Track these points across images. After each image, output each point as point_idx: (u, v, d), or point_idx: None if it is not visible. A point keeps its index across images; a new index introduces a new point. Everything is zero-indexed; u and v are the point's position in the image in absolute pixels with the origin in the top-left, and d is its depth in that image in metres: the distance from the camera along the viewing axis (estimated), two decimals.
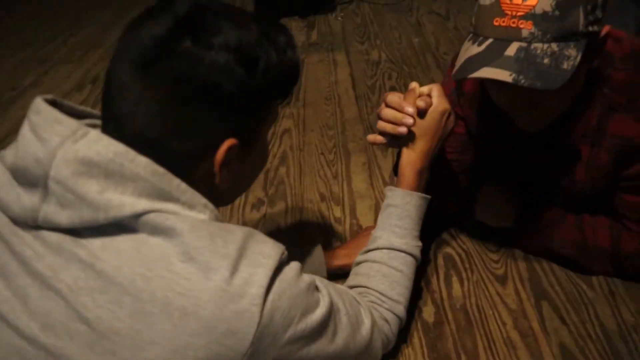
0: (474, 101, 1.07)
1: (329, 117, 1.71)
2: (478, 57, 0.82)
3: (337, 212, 1.30)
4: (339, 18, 2.57)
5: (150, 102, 0.58)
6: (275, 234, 1.23)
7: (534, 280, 1.08)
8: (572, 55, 0.79)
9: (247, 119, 0.65)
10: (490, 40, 0.81)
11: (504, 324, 1.00)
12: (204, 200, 0.63)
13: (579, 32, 0.79)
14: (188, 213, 0.60)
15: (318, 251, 1.06)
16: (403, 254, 0.90)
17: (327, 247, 1.19)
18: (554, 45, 0.78)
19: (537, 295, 1.05)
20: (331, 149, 1.55)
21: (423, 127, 0.91)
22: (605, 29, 0.84)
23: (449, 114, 0.92)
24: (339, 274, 1.05)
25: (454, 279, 1.10)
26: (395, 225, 0.91)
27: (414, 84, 0.94)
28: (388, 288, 0.87)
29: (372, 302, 0.85)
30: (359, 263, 0.91)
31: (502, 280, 1.09)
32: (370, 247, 0.91)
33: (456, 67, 0.86)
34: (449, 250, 1.16)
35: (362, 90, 1.87)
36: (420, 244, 0.94)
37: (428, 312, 1.03)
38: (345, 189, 1.37)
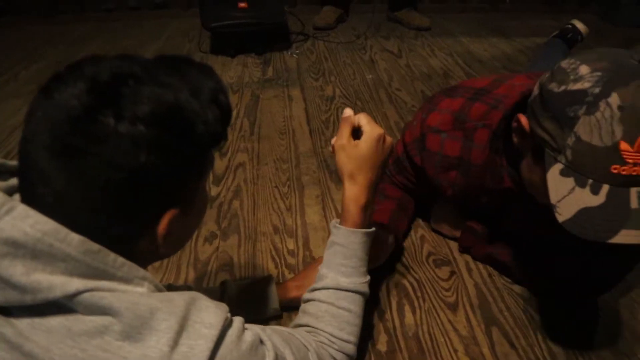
0: (433, 157, 1.11)
1: (284, 150, 1.72)
2: (602, 211, 0.74)
3: (291, 244, 1.30)
4: (294, 55, 2.62)
5: (77, 192, 0.53)
6: (228, 267, 1.23)
7: (484, 307, 1.10)
8: None
9: (186, 184, 0.61)
10: (607, 188, 0.74)
11: (456, 350, 1.01)
12: (141, 273, 0.59)
13: None
14: (125, 288, 0.56)
15: (270, 284, 1.06)
16: (351, 294, 0.87)
17: (281, 279, 1.18)
18: None
19: (487, 321, 1.07)
20: (285, 182, 1.55)
21: (360, 159, 0.87)
22: None
23: (384, 138, 0.89)
24: (291, 307, 1.04)
25: (407, 307, 1.11)
26: (341, 264, 0.88)
27: (348, 111, 0.90)
28: (337, 329, 0.84)
29: (321, 342, 0.83)
30: (307, 301, 0.89)
31: (454, 307, 1.10)
32: (317, 285, 0.88)
33: (565, 217, 0.77)
34: (401, 279, 1.17)
35: (316, 124, 1.90)
36: (367, 278, 0.91)
37: (381, 341, 1.03)
38: (299, 221, 1.38)
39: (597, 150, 0.73)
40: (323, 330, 0.84)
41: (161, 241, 0.60)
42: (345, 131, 0.88)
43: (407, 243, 1.28)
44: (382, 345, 1.02)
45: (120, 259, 0.56)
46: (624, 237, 0.73)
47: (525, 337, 1.03)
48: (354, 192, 0.88)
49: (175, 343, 0.55)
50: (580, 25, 2.13)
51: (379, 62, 2.52)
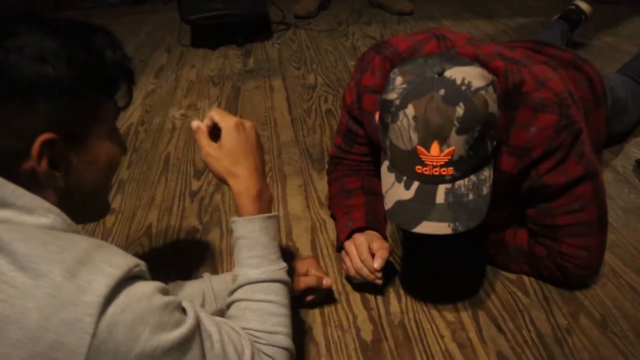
0: (372, 119, 1.07)
1: (265, 141, 1.69)
2: (412, 204, 0.87)
3: None
4: (276, 45, 2.58)
5: None
6: (210, 261, 1.20)
7: (470, 291, 1.08)
8: (487, 176, 0.88)
9: (64, 114, 0.65)
10: (416, 185, 0.87)
11: (442, 336, 0.99)
12: (46, 205, 0.62)
13: (489, 156, 0.88)
14: (25, 219, 0.59)
15: None
16: (265, 284, 0.82)
17: None
18: (473, 177, 0.87)
19: (473, 306, 1.05)
20: (267, 172, 1.53)
21: (229, 154, 0.84)
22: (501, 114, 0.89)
23: (242, 125, 0.86)
24: None
25: (392, 294, 1.09)
26: (247, 257, 0.83)
27: (195, 124, 0.87)
28: (260, 323, 0.79)
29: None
30: (228, 306, 0.83)
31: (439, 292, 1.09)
32: (232, 287, 0.83)
33: (388, 206, 0.91)
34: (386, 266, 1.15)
35: (298, 113, 1.87)
36: (282, 265, 0.85)
37: (366, 331, 1.01)
38: (281, 211, 1.35)
39: (403, 153, 0.86)
40: (246, 328, 0.78)
41: (37, 165, 0.63)
42: (202, 140, 0.86)
43: (390, 228, 1.26)
44: (367, 334, 1.00)
45: (21, 190, 0.60)
46: (424, 227, 0.85)
47: (512, 319, 1.02)
48: (240, 186, 0.84)
49: (70, 275, 0.54)
50: (583, 5, 2.10)
51: (361, 49, 2.48)
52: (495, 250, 1.12)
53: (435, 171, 0.84)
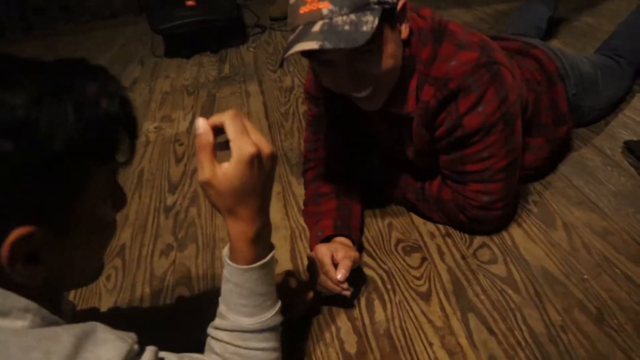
0: (316, 94, 1.19)
1: None
2: (292, 40, 0.90)
3: None
4: (251, 49, 2.53)
5: None
6: (185, 279, 1.15)
7: (459, 293, 1.03)
8: (370, 20, 0.87)
9: (40, 198, 0.51)
10: (300, 27, 0.90)
11: (431, 344, 0.94)
12: (23, 303, 0.51)
13: (371, 3, 0.88)
14: (0, 323, 0.49)
15: None
16: (257, 333, 0.74)
17: None
18: (353, 16, 0.87)
19: (462, 308, 1.00)
20: None
21: (234, 192, 0.68)
22: (402, 1, 0.94)
23: (259, 156, 0.68)
24: None
25: (376, 302, 1.03)
26: (240, 304, 0.74)
27: (201, 127, 0.68)
28: None
29: None
30: (213, 338, 0.76)
31: (426, 297, 1.03)
32: (219, 325, 0.75)
33: (289, 53, 0.91)
34: (369, 272, 1.10)
35: (275, 117, 1.81)
36: (276, 308, 0.77)
37: (350, 343, 0.95)
38: None
39: (292, 5, 0.90)
40: None
41: (8, 266, 0.51)
42: (205, 162, 0.67)
43: (373, 232, 1.21)
44: (351, 346, 0.95)
45: None
46: (294, 48, 0.87)
47: (503, 320, 0.96)
48: (238, 228, 0.71)
49: None
50: None
51: None
52: (415, 195, 1.20)
53: (313, 6, 0.87)
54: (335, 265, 0.98)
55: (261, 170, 0.69)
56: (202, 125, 0.68)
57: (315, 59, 0.96)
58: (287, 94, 1.98)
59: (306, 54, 0.93)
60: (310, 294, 0.98)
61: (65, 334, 0.51)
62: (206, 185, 0.68)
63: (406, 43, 1.00)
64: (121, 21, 3.30)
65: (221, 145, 0.69)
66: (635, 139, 1.40)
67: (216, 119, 0.69)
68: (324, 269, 0.98)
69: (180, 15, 2.41)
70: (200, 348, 0.75)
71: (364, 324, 0.99)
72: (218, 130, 0.69)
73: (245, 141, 0.66)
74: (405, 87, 1.04)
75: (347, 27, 0.86)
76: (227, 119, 0.68)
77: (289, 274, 1.01)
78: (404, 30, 0.98)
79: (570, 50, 1.95)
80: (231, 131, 0.67)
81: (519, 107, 1.08)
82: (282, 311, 0.80)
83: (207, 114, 1.89)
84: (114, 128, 0.56)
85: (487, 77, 0.98)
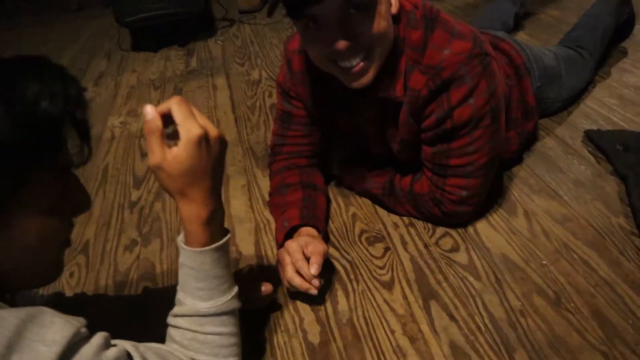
0: (304, 78, 1.14)
1: None
2: None
3: None
4: (219, 42, 2.51)
5: None
6: (149, 274, 1.14)
7: (421, 281, 1.04)
8: None
9: None
10: None
11: (393, 331, 0.95)
12: None
13: None
14: None
15: None
16: (215, 317, 0.74)
17: None
18: None
19: (424, 296, 1.01)
20: None
21: (184, 173, 0.68)
22: None
23: (206, 138, 0.68)
24: None
25: (339, 292, 1.04)
26: (196, 288, 0.74)
27: (149, 114, 0.68)
28: (211, 356, 0.73)
29: None
30: (172, 326, 0.75)
31: (389, 286, 1.04)
32: (177, 312, 0.75)
33: None
34: (332, 262, 1.10)
35: (241, 111, 1.80)
36: (233, 292, 0.77)
37: (313, 333, 0.96)
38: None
39: None
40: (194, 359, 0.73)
41: None
42: (154, 146, 0.67)
43: (337, 223, 1.21)
44: (314, 336, 0.95)
45: None
46: None
47: (464, 306, 0.98)
48: (190, 210, 0.71)
49: None
50: None
51: None
52: (382, 190, 1.19)
53: None
54: (307, 259, 0.97)
55: (209, 151, 0.69)
56: (150, 111, 0.67)
57: (304, 17, 0.90)
58: (254, 88, 1.97)
59: (294, 12, 0.89)
60: (270, 287, 0.98)
61: (10, 317, 0.50)
62: (157, 169, 0.68)
63: (394, 22, 0.98)
64: (87, 14, 3.24)
65: (170, 135, 0.69)
66: (595, 128, 1.43)
67: (164, 106, 0.68)
68: (297, 264, 0.97)
69: (146, 7, 2.37)
70: (162, 341, 0.75)
71: (327, 314, 0.99)
72: (167, 120, 0.68)
73: (193, 124, 0.67)
74: (393, 69, 1.02)
75: None
76: (173, 104, 0.68)
77: (250, 267, 1.01)
78: (395, 3, 0.96)
79: (535, 42, 1.98)
80: (178, 116, 0.67)
81: (504, 102, 1.08)
82: (243, 302, 0.80)
83: None
84: (55, 129, 0.55)
85: (479, 69, 0.98)
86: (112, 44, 2.66)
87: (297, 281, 0.96)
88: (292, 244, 1.00)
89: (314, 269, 0.95)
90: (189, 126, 0.67)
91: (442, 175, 1.08)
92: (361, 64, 0.94)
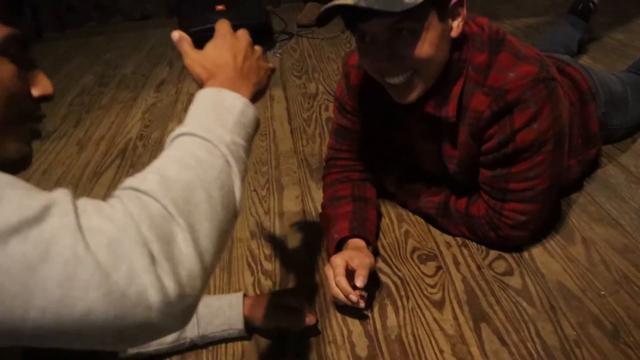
0: (361, 92, 1.15)
1: (263, 152, 1.65)
2: None
3: (268, 249, 1.23)
4: (277, 55, 2.56)
5: None
6: None
7: (473, 302, 1.03)
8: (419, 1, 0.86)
9: None
10: None
11: (442, 351, 0.94)
12: None
13: None
14: None
15: (237, 300, 0.98)
16: (190, 138, 0.59)
17: (256, 286, 1.12)
18: None
19: (475, 318, 0.99)
20: (264, 184, 1.49)
21: (214, 54, 0.69)
22: None
23: (230, 29, 0.72)
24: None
25: (389, 308, 1.03)
26: (190, 116, 0.63)
27: (177, 34, 0.73)
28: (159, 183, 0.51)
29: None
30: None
31: (439, 305, 1.03)
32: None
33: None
34: (383, 278, 1.10)
35: (297, 123, 1.83)
36: (240, 141, 0.61)
37: (361, 346, 0.96)
38: (277, 224, 1.31)
39: None
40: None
41: None
42: (184, 47, 0.71)
43: (390, 239, 1.21)
44: (361, 350, 0.95)
45: None
46: (331, 3, 0.87)
47: (516, 332, 0.96)
48: (215, 83, 0.66)
49: None
50: None
51: None
52: (436, 210, 1.19)
53: None
54: (351, 274, 0.97)
55: (236, 39, 0.71)
56: (176, 32, 0.74)
57: (356, 30, 0.94)
58: (310, 100, 2.00)
59: (349, 24, 0.93)
60: (313, 320, 0.98)
61: None
62: (189, 60, 0.70)
63: (457, 45, 0.99)
64: (152, 23, 3.36)
65: None
66: None
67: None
68: (336, 278, 0.97)
69: (210, 19, 2.44)
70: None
71: (375, 329, 0.99)
72: None
73: (223, 23, 0.73)
74: (447, 90, 1.02)
75: None
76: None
77: (292, 292, 1.03)
78: (456, 28, 0.96)
79: (600, 67, 1.93)
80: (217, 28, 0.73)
81: (568, 129, 1.05)
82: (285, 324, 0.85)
83: None
84: None
85: (544, 93, 0.96)
86: (175, 53, 2.73)
87: (342, 297, 0.97)
88: (336, 259, 1.00)
89: (359, 282, 0.95)
90: (219, 25, 0.73)
91: (501, 199, 1.07)
92: (405, 81, 0.97)
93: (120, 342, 0.46)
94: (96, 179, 1.62)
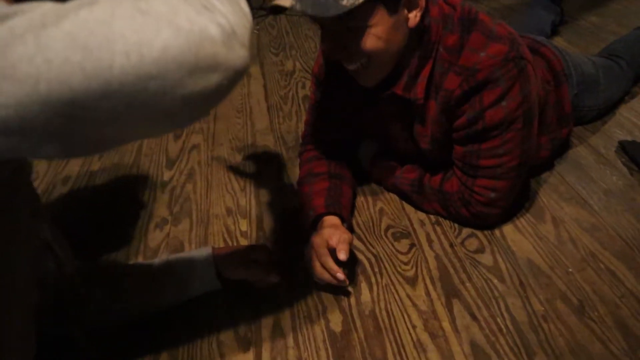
0: (337, 70, 1.11)
1: (239, 129, 1.65)
2: None
3: (244, 225, 1.23)
4: (255, 31, 2.52)
5: None
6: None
7: (445, 279, 1.05)
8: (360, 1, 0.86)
9: None
10: None
11: (414, 326, 0.96)
12: None
13: None
14: None
15: (207, 249, 1.03)
16: None
17: None
18: None
19: (447, 294, 1.01)
20: (240, 161, 1.48)
21: None
22: None
23: None
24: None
25: (363, 284, 1.05)
26: None
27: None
28: None
29: None
30: None
31: (412, 281, 1.05)
32: None
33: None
34: (357, 255, 1.12)
35: (274, 100, 1.82)
36: None
37: (335, 322, 0.98)
38: (253, 201, 1.31)
39: None
40: None
41: None
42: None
43: (364, 217, 1.22)
44: (336, 325, 0.97)
45: None
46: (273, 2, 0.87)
47: (487, 307, 0.98)
48: None
49: None
50: None
51: None
52: (410, 187, 1.20)
53: None
54: (332, 252, 0.98)
55: None
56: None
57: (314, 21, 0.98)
58: (287, 78, 1.99)
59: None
60: (273, 277, 1.01)
61: None
62: None
63: (424, 30, 1.00)
64: None
65: None
66: (630, 139, 1.42)
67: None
68: (321, 259, 0.98)
69: None
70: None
71: (350, 305, 1.01)
72: None
73: None
74: (415, 72, 1.04)
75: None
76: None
77: (262, 247, 1.06)
78: (413, 18, 0.97)
79: (574, 49, 1.96)
80: None
81: (537, 107, 1.08)
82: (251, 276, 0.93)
83: None
84: None
85: (514, 72, 0.98)
86: None
87: (327, 276, 0.98)
88: (316, 239, 1.01)
89: (342, 255, 0.96)
90: None
91: (472, 175, 1.09)
92: (361, 68, 1.00)
93: (194, 90, 0.49)
94: None
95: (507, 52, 0.98)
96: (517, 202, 1.20)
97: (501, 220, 1.17)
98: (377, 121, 1.19)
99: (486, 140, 1.04)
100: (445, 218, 1.19)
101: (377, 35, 0.93)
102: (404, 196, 1.25)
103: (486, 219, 1.14)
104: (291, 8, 0.86)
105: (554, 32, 2.18)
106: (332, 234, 1.01)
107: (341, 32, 0.93)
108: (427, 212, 1.21)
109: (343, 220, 1.10)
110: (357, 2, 0.86)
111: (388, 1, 0.91)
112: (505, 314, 0.97)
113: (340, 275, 0.96)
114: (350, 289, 1.04)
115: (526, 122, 1.04)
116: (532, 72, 1.03)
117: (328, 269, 0.97)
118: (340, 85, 1.15)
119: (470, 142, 1.06)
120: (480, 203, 1.10)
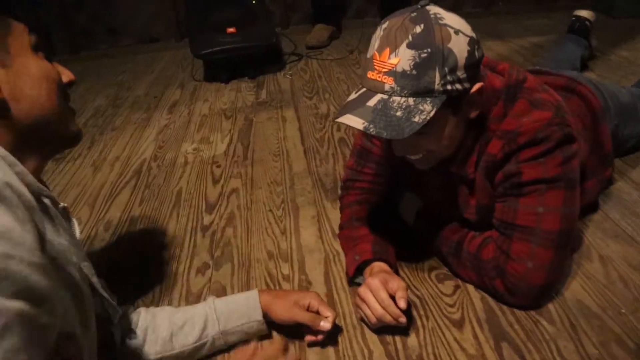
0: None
1: (277, 173, 1.67)
2: (350, 103, 0.93)
3: (285, 269, 1.24)
4: (288, 76, 2.59)
5: None
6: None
7: (492, 321, 1.03)
8: (426, 109, 0.88)
9: None
10: (363, 90, 0.93)
11: None
12: None
13: (435, 90, 0.88)
14: None
15: (254, 293, 1.03)
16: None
17: None
18: (411, 100, 0.88)
19: (496, 337, 1.00)
20: (279, 205, 1.50)
21: None
22: (478, 85, 0.93)
23: None
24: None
25: (409, 328, 1.04)
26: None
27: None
28: None
29: None
30: None
31: (459, 324, 1.03)
32: None
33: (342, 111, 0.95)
34: None
35: (310, 143, 1.85)
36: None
37: None
38: (294, 244, 1.32)
39: (366, 61, 0.93)
40: None
41: None
42: None
43: (406, 259, 1.22)
44: None
45: None
46: (344, 118, 0.91)
47: (538, 351, 0.96)
48: None
49: None
50: (582, 13, 2.15)
51: None
52: (448, 248, 1.13)
53: (379, 77, 0.89)
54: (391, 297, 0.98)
55: None
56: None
57: None
58: (322, 121, 2.02)
59: None
60: (327, 325, 0.98)
61: None
62: None
63: (479, 114, 1.00)
64: (161, 47, 3.41)
65: None
66: None
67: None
68: (383, 303, 0.97)
69: (221, 41, 2.49)
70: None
71: (396, 349, 0.99)
72: None
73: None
74: (467, 149, 1.04)
75: (399, 113, 0.87)
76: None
77: (313, 295, 1.03)
78: (473, 113, 0.98)
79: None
80: None
81: (579, 175, 1.04)
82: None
83: (244, 138, 1.94)
84: None
85: (557, 135, 0.96)
86: (186, 75, 2.78)
87: (388, 318, 0.97)
88: (374, 282, 0.99)
89: (402, 303, 0.96)
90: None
91: (508, 235, 1.02)
92: (422, 158, 1.02)
93: None
94: (112, 200, 1.64)
95: (551, 118, 0.97)
96: None
97: (540, 304, 1.06)
98: (423, 186, 1.19)
99: (524, 195, 1.00)
100: (477, 287, 1.12)
101: (443, 136, 0.96)
102: (441, 257, 1.18)
103: (523, 297, 1.03)
104: (364, 130, 0.88)
105: (584, 67, 2.18)
106: (388, 279, 1.00)
107: (410, 137, 0.91)
108: (462, 280, 1.14)
109: (390, 267, 1.09)
110: (428, 117, 0.87)
111: (454, 103, 0.92)
112: (558, 358, 0.94)
113: (403, 319, 0.96)
114: (396, 333, 1.03)
115: (568, 186, 1.00)
116: (575, 140, 1.00)
117: (391, 313, 0.97)
118: (389, 140, 1.15)
119: (508, 194, 1.02)
120: (516, 275, 1.01)
